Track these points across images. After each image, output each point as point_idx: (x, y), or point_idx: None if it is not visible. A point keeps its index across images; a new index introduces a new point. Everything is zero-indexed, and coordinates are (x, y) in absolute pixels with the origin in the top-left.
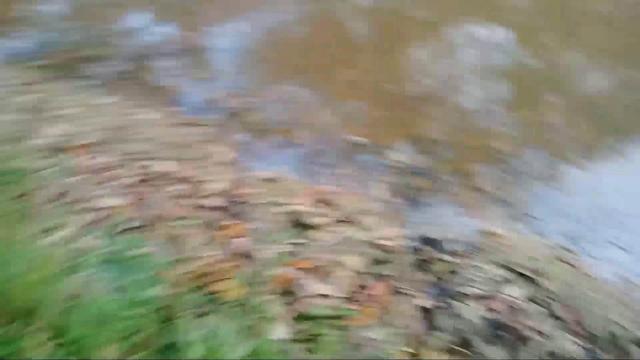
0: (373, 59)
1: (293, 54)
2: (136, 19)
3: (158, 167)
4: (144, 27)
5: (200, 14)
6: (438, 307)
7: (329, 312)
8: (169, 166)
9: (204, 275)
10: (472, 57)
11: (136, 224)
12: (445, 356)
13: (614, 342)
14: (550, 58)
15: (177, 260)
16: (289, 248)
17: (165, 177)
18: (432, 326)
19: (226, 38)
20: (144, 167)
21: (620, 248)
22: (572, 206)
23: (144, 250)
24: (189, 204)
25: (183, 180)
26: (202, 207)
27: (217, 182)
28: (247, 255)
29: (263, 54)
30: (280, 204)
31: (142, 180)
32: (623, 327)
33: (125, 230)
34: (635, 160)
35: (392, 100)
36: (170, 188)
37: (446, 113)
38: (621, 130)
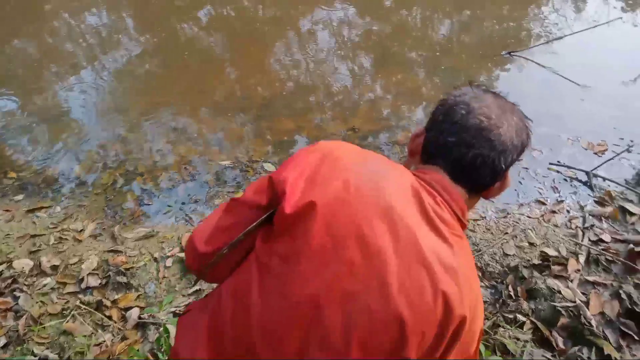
0: (229, 73)
1: (146, 93)
2: None
3: (17, 266)
4: None
5: (37, 75)
6: None
7: None
8: (27, 262)
9: None
10: (324, 42)
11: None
12: None
13: (509, 272)
14: (393, 18)
15: (68, 359)
16: (187, 300)
17: (30, 275)
18: None
19: (71, 95)
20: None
21: None
22: None
23: None
24: (66, 293)
25: (50, 271)
26: (80, 291)
27: (88, 260)
28: (143, 325)
29: (115, 102)
30: (165, 257)
31: (5, 287)
32: (513, 256)
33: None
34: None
35: (254, 111)
36: (40, 284)
37: (312, 105)
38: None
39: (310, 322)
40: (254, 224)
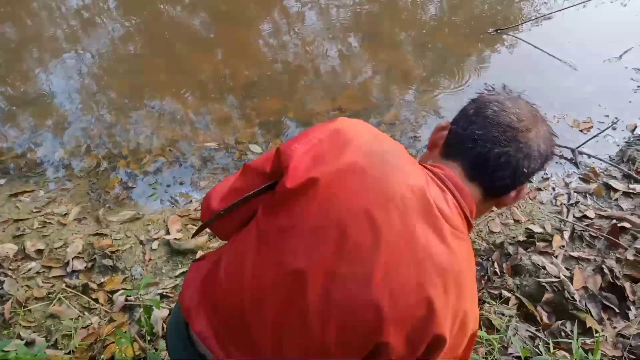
0: (213, 53)
1: (130, 75)
2: None
3: (1, 250)
4: None
5: (16, 58)
6: None
7: None
8: (11, 246)
9: (93, 344)
10: (311, 21)
11: None
12: None
13: (495, 249)
14: None
15: (55, 342)
16: (173, 282)
17: (14, 259)
18: None
19: (55, 80)
20: None
21: None
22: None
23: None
24: (51, 277)
25: (35, 255)
26: (66, 275)
27: (73, 244)
28: (130, 307)
29: (98, 84)
30: (151, 240)
31: None
32: (498, 233)
33: None
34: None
35: (239, 92)
36: (25, 269)
37: (299, 85)
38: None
39: (293, 293)
40: (251, 192)
